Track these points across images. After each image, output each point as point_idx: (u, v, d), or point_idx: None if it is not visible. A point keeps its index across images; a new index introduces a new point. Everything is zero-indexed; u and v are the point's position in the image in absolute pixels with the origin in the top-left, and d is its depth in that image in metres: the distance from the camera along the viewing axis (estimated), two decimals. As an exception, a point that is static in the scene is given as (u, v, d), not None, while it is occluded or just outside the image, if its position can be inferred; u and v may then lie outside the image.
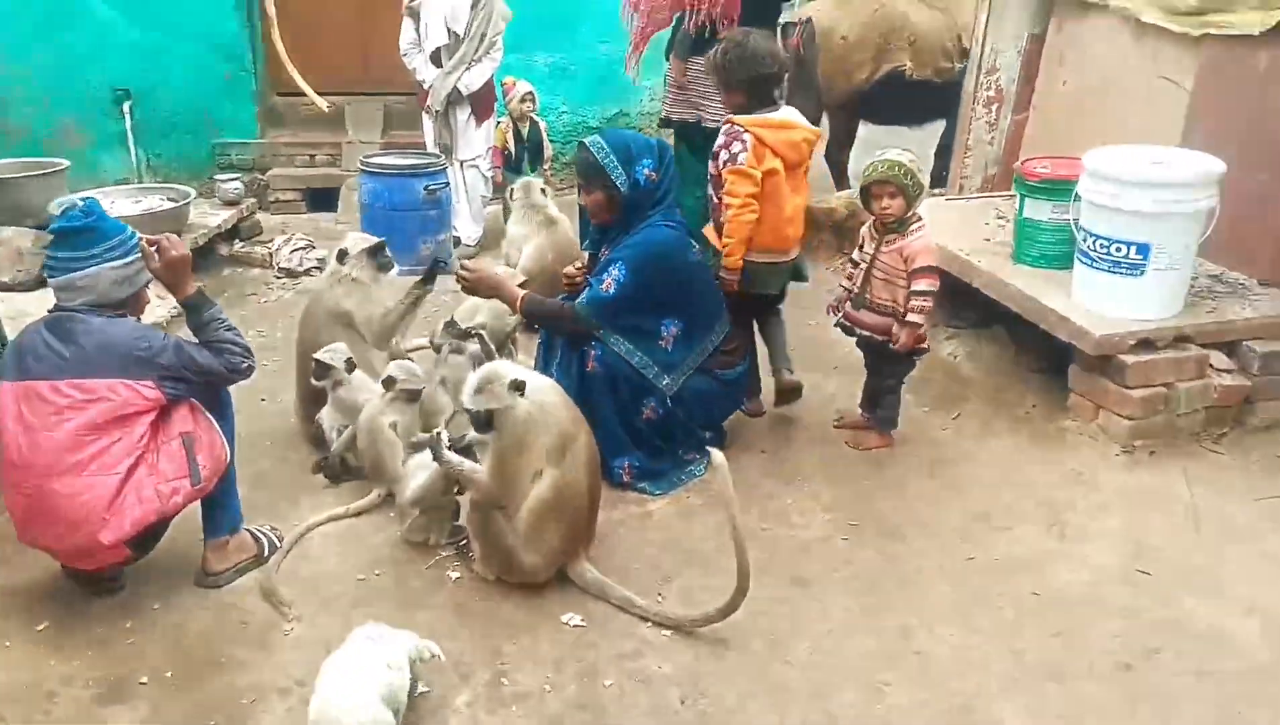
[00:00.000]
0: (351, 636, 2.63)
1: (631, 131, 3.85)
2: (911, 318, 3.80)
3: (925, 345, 3.99)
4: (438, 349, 4.13)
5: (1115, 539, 3.49)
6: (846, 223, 6.05)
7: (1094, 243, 3.99)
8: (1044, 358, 4.44)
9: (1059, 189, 4.24)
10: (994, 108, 5.74)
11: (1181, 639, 3.03)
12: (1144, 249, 3.87)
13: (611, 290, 3.67)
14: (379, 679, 2.49)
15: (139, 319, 3.07)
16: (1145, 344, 3.92)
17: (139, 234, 3.04)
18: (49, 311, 2.97)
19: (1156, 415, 3.92)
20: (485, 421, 3.09)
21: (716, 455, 2.96)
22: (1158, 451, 3.92)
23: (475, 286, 3.89)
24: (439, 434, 3.21)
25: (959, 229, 4.86)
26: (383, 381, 3.70)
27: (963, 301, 4.82)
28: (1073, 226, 4.11)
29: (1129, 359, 3.88)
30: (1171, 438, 3.95)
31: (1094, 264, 4.01)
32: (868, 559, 3.42)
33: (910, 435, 4.16)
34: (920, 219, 3.85)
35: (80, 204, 2.99)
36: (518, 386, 3.09)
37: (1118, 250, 3.91)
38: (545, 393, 3.20)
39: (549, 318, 3.89)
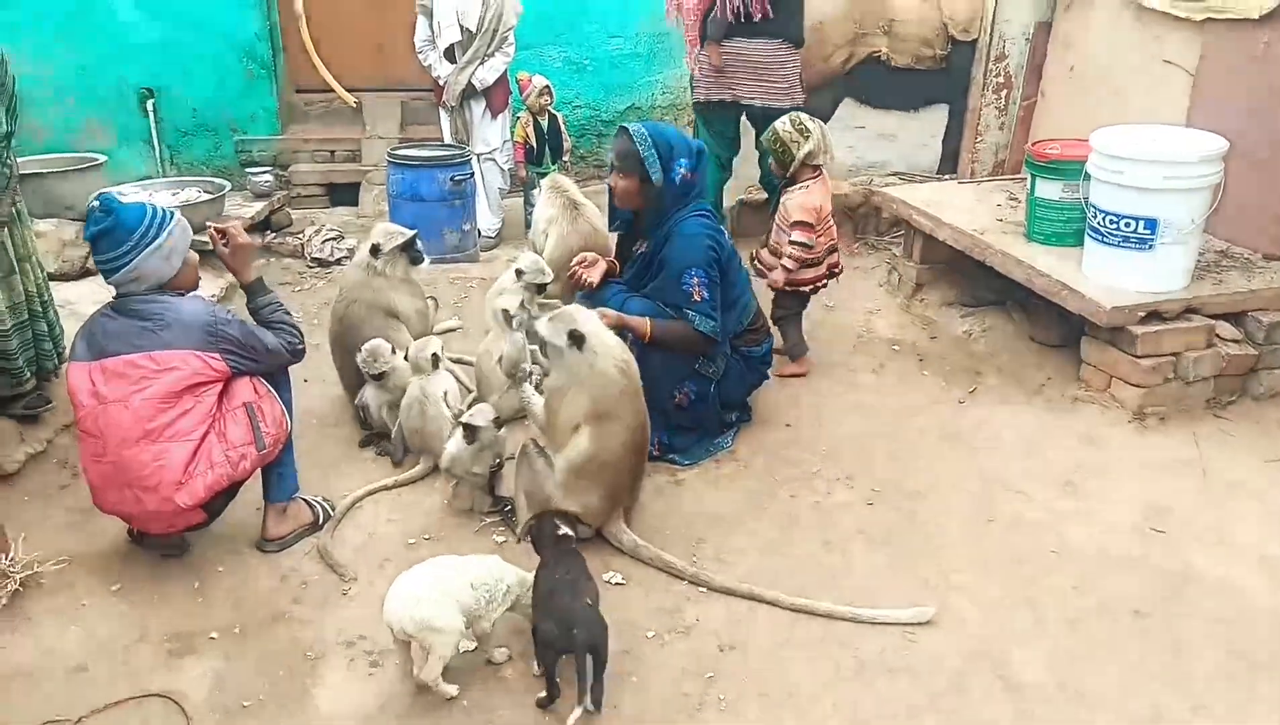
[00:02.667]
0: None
1: (675, 130, 3.94)
2: (784, 262, 4.47)
3: (812, 287, 4.57)
4: (510, 322, 4.08)
5: (1128, 500, 3.65)
6: (860, 208, 6.21)
7: (1104, 219, 4.14)
8: (1057, 332, 4.60)
9: (1069, 169, 4.40)
10: (1003, 93, 5.90)
11: (1192, 589, 3.19)
12: (1151, 224, 4.03)
13: (707, 295, 3.76)
14: (450, 588, 2.71)
15: (195, 288, 3.24)
16: (1154, 315, 4.07)
17: (174, 211, 3.16)
18: (115, 296, 3.12)
19: (1166, 384, 4.07)
20: (540, 344, 3.29)
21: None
22: (1168, 418, 4.07)
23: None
24: (531, 371, 3.49)
25: (973, 210, 5.02)
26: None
27: (977, 280, 4.98)
28: (1083, 204, 4.26)
29: (1139, 330, 4.03)
30: (1181, 405, 4.11)
31: (1104, 239, 4.16)
32: (891, 521, 3.58)
33: (928, 407, 4.33)
34: (812, 177, 4.41)
35: (96, 204, 3.07)
36: (575, 337, 3.22)
37: (1127, 225, 4.07)
38: (606, 360, 3.28)
39: (678, 340, 3.80)
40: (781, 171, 4.45)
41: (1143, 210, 4.03)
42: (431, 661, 2.69)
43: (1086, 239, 4.28)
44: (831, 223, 4.54)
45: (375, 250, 4.21)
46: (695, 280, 3.75)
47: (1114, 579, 3.24)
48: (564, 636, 2.67)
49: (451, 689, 2.73)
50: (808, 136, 4.35)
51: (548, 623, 2.71)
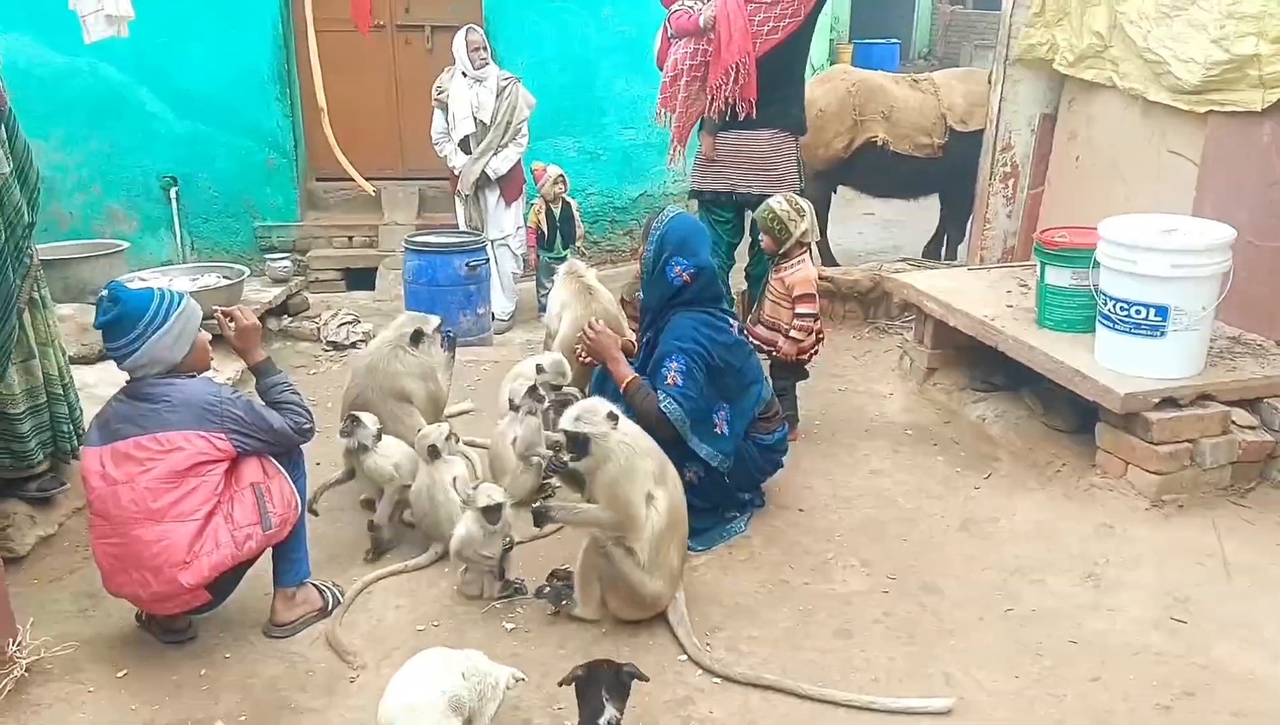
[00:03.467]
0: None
1: (700, 238, 4.02)
2: (793, 334, 4.62)
3: (808, 357, 4.73)
4: (516, 409, 4.22)
5: (1148, 589, 3.59)
6: (870, 293, 6.26)
7: (1114, 306, 4.16)
8: (1071, 418, 4.58)
9: (1078, 256, 4.43)
10: (1010, 183, 5.99)
11: (1218, 683, 3.11)
12: (1163, 311, 4.04)
13: (680, 381, 3.79)
14: (443, 683, 2.62)
15: (207, 369, 3.27)
16: (1169, 402, 4.05)
17: (183, 295, 3.21)
18: (128, 381, 3.16)
19: (1183, 470, 4.03)
20: (582, 445, 3.29)
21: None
22: (1186, 505, 4.02)
23: (595, 350, 4.04)
24: (547, 501, 3.48)
25: (983, 297, 5.05)
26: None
27: (989, 366, 4.98)
28: (1093, 291, 4.29)
29: (1154, 416, 4.01)
30: (1199, 492, 4.06)
31: (1115, 326, 4.18)
32: (908, 611, 3.52)
33: (943, 494, 4.29)
34: (804, 252, 4.64)
35: (105, 293, 3.11)
36: (613, 417, 3.33)
37: (1138, 312, 4.08)
38: (630, 425, 3.43)
39: (641, 408, 3.81)
40: (775, 247, 4.64)
41: (1153, 298, 4.05)
42: None
43: (1098, 326, 4.30)
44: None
45: (418, 336, 4.27)
46: (674, 365, 3.80)
47: (1136, 671, 3.17)
48: None
49: None
50: (803, 215, 4.59)
51: None
